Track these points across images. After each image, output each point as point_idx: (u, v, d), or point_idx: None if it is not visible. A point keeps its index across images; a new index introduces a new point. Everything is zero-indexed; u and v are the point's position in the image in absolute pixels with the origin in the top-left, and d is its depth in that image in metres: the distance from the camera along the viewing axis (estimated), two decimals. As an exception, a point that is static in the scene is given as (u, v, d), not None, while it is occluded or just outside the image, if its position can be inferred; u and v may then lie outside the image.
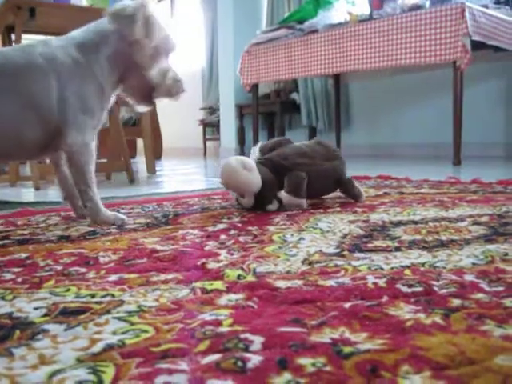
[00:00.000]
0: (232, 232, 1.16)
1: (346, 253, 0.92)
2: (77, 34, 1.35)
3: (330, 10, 4.01)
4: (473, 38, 3.10)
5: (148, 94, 1.40)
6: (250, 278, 0.77)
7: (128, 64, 1.35)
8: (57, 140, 1.29)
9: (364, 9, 3.92)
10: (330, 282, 0.73)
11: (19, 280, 0.81)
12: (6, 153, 1.33)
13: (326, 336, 0.54)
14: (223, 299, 0.67)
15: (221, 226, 1.24)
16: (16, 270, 0.88)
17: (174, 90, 1.39)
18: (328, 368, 0.46)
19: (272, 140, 1.65)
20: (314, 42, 3.95)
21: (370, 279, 0.74)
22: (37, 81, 1.25)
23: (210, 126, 6.94)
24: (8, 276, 0.84)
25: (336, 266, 0.83)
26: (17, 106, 1.23)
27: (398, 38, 3.39)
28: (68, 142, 1.28)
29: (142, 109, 1.45)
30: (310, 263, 0.85)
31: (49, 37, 1.34)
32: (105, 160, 3.86)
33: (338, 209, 1.45)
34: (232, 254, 0.94)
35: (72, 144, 1.28)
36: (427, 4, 3.36)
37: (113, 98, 1.41)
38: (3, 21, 2.73)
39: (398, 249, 0.94)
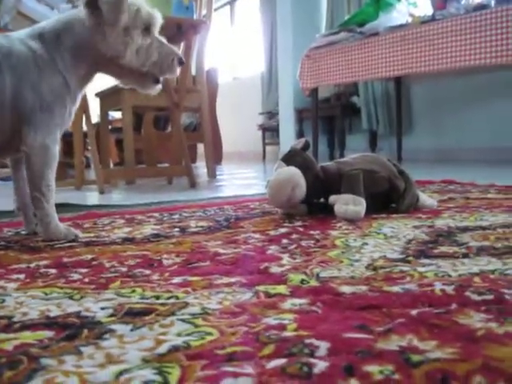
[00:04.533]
0: (294, 236, 1.16)
1: (411, 259, 0.90)
2: (41, 24, 1.24)
3: (391, 12, 3.95)
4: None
5: (141, 77, 1.29)
6: (314, 283, 0.76)
7: (98, 54, 1.23)
8: (16, 140, 1.19)
9: (426, 10, 3.84)
10: (396, 288, 0.71)
11: (86, 280, 0.84)
12: None
13: (394, 343, 0.52)
14: (287, 303, 0.67)
15: (282, 230, 1.24)
16: (83, 270, 0.91)
17: (164, 64, 1.27)
18: (396, 376, 0.45)
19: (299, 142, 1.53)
20: (375, 44, 3.90)
21: (438, 286, 0.71)
22: None
23: (270, 131, 6.96)
24: (76, 276, 0.87)
25: (401, 271, 0.81)
26: None
27: (463, 38, 3.30)
28: (26, 142, 1.17)
29: (152, 91, 1.33)
30: (375, 269, 0.84)
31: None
32: (166, 165, 3.94)
33: (402, 214, 1.42)
34: (294, 259, 0.93)
35: (30, 145, 1.17)
36: (492, 3, 3.26)
37: (81, 94, 1.29)
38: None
39: (465, 255, 0.91)
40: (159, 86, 1.33)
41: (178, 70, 1.32)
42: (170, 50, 1.28)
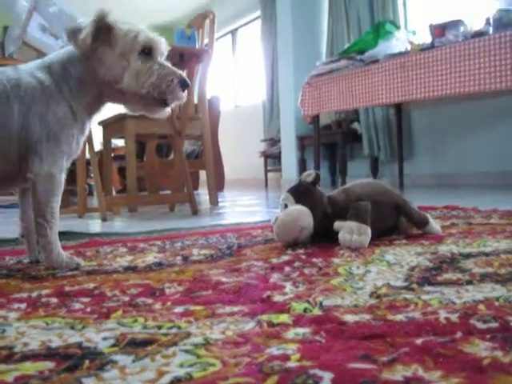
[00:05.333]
0: (296, 264, 1.15)
1: (414, 286, 0.89)
2: (50, 55, 1.28)
3: (390, 40, 3.99)
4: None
5: (145, 101, 1.27)
6: (317, 312, 0.76)
7: (100, 82, 1.25)
8: (23, 170, 1.21)
9: (425, 38, 3.88)
10: (400, 317, 0.71)
11: (88, 310, 0.83)
12: None
13: (399, 373, 0.52)
14: (290, 333, 0.66)
15: (285, 258, 1.23)
16: (85, 299, 0.90)
17: (163, 85, 1.24)
18: (402, 407, 0.44)
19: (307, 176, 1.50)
20: (375, 71, 3.93)
21: (442, 314, 0.71)
22: None
23: (272, 158, 6.98)
24: (77, 306, 0.86)
25: (405, 299, 0.80)
26: None
27: (462, 65, 3.33)
28: (32, 170, 1.19)
29: (160, 115, 1.31)
30: (378, 297, 0.83)
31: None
32: (168, 192, 3.94)
33: (404, 241, 1.41)
34: (297, 287, 0.93)
35: (36, 173, 1.18)
36: (491, 30, 3.30)
37: (89, 124, 1.30)
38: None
39: (469, 282, 0.90)
40: (168, 110, 1.31)
41: (184, 94, 1.30)
42: (171, 70, 1.26)
